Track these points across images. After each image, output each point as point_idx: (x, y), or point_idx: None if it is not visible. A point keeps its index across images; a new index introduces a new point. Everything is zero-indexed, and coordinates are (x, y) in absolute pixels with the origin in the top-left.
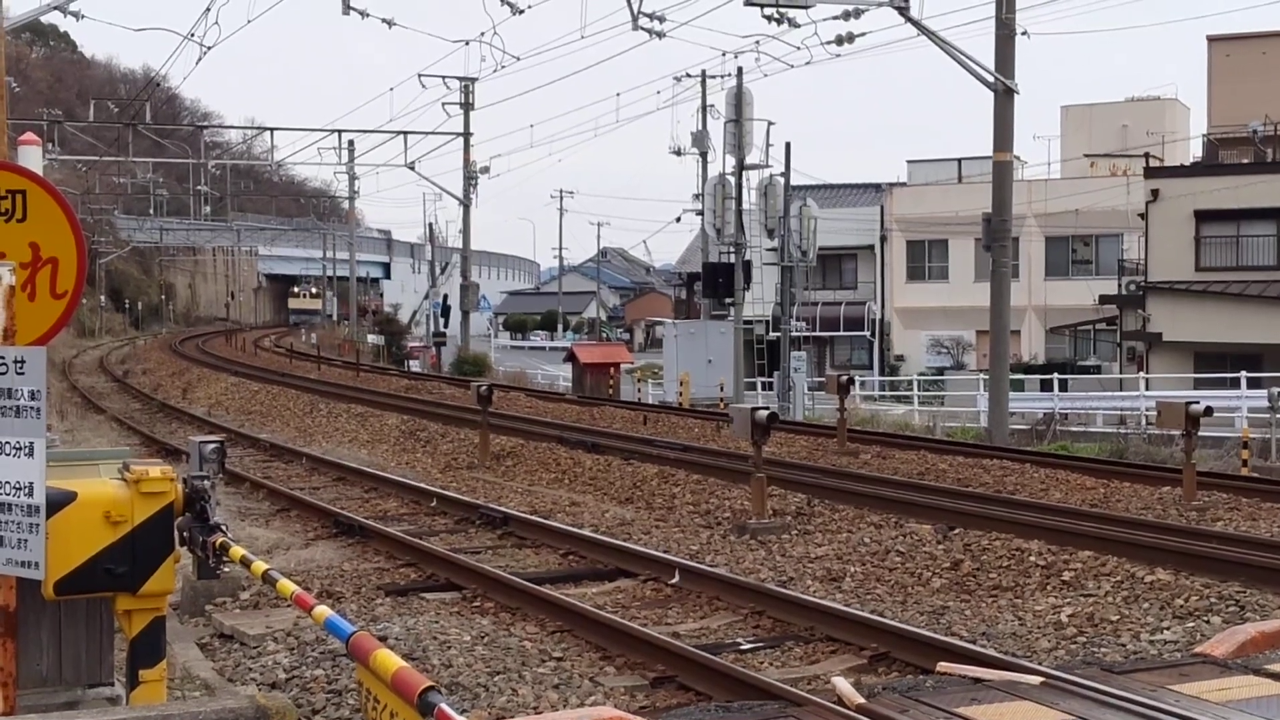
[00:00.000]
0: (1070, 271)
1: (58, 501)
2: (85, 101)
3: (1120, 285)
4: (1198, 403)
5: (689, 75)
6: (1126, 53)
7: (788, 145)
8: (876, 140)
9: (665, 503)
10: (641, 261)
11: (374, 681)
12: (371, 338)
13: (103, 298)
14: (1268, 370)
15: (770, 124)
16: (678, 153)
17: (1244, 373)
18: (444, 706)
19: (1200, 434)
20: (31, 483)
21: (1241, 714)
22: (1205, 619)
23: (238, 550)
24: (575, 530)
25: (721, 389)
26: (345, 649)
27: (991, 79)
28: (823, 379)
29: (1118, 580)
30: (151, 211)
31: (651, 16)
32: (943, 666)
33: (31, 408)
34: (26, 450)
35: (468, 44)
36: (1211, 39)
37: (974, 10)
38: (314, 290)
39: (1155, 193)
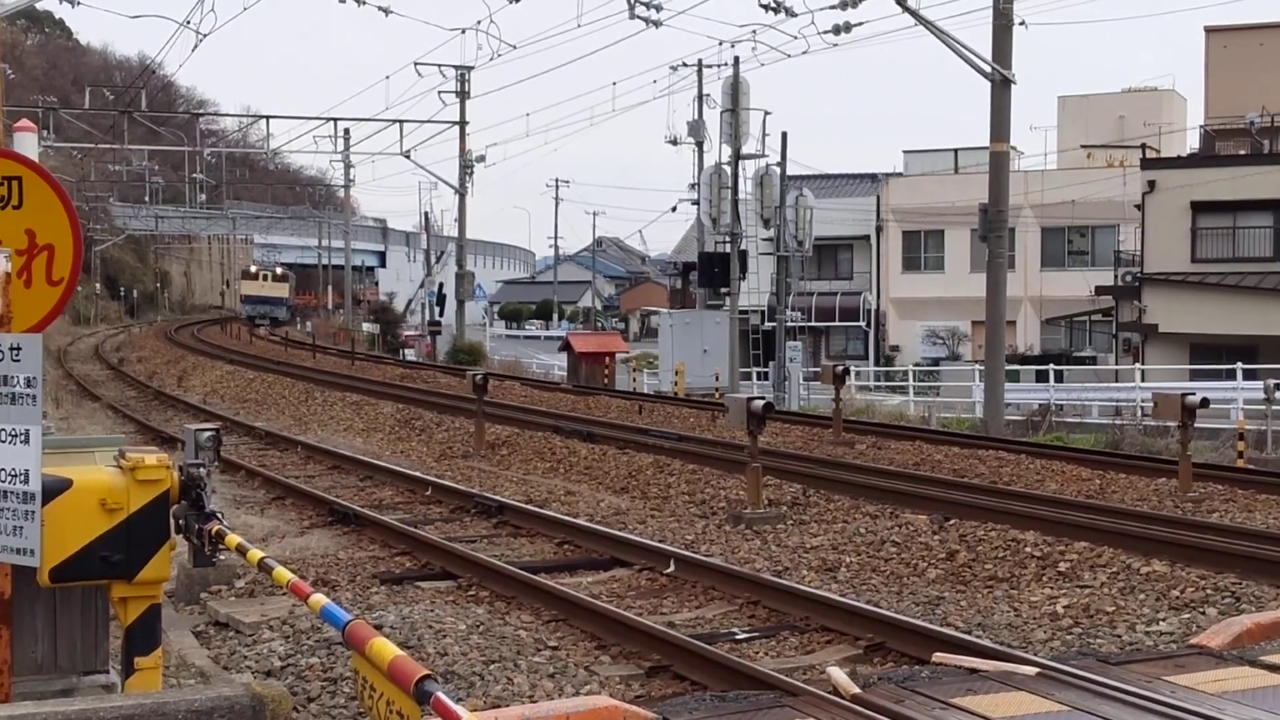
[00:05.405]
0: (1066, 262)
1: (54, 489)
2: (81, 89)
3: (1116, 276)
4: (1194, 394)
5: (685, 64)
6: (1124, 43)
7: (784, 135)
8: (873, 130)
9: (660, 492)
10: (637, 251)
11: (370, 670)
12: (367, 326)
13: (98, 285)
14: (1263, 362)
15: (767, 114)
16: (674, 142)
17: (1239, 364)
18: (440, 695)
19: (1196, 425)
20: (27, 470)
21: (1237, 705)
22: (1201, 610)
23: (233, 538)
24: (570, 519)
25: (717, 379)
26: (341, 637)
27: (989, 69)
28: (818, 369)
29: (1113, 571)
30: (147, 199)
31: (648, 5)
32: (938, 657)
33: (28, 395)
34: (22, 437)
35: (464, 32)
36: (1209, 30)
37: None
38: (278, 271)
39: (1152, 184)
